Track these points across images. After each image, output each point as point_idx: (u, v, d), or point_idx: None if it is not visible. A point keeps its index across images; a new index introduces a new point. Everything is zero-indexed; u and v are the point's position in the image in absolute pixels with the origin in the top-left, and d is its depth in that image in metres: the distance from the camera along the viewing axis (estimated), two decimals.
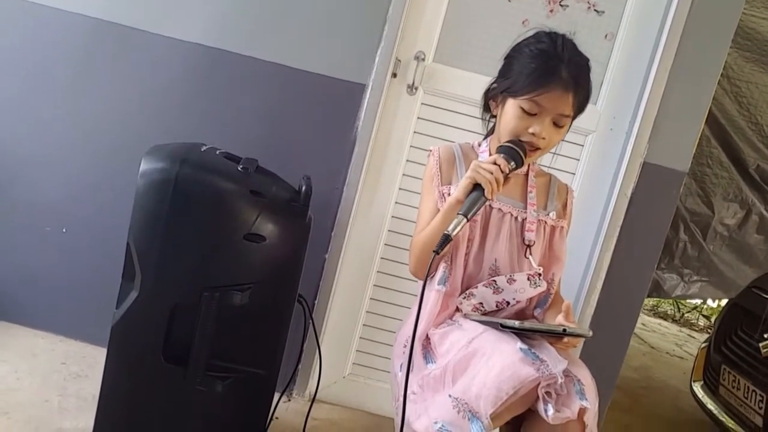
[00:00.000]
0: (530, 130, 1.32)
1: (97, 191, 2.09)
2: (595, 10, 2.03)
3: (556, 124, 1.34)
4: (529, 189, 1.45)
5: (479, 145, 1.50)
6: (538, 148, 1.35)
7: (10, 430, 1.60)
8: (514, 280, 1.35)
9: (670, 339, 5.17)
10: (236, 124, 2.05)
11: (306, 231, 1.57)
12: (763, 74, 3.31)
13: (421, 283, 1.43)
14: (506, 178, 1.29)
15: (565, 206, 1.50)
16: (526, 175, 1.47)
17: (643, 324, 5.28)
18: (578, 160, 2.09)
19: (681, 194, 2.11)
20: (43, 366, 1.94)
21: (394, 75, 2.04)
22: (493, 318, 1.32)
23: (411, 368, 1.33)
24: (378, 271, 2.12)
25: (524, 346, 1.16)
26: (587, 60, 1.36)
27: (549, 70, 1.30)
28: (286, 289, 1.58)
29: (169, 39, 2.03)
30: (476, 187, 1.26)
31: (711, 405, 2.64)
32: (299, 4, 2.01)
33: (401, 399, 1.21)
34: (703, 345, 2.94)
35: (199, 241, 1.43)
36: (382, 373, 2.14)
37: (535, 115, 1.32)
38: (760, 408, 2.27)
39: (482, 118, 1.50)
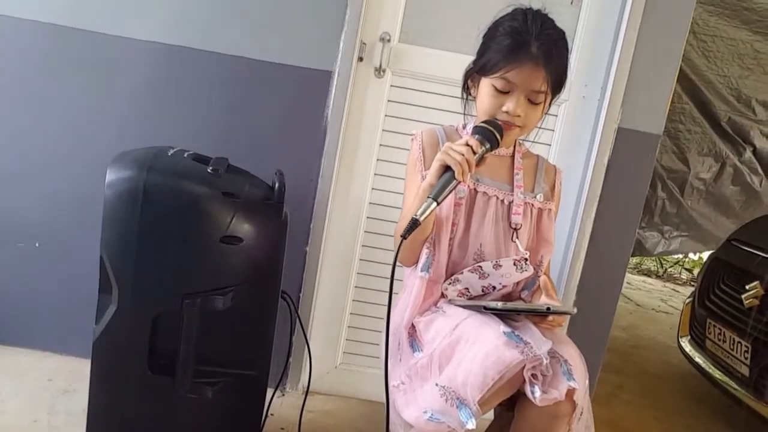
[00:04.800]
0: (504, 108, 1.30)
1: (67, 202, 2.03)
2: None
3: (531, 101, 1.31)
4: (515, 171, 1.42)
5: (464, 127, 1.47)
6: (516, 127, 1.32)
7: None
8: (500, 266, 1.34)
9: (655, 295, 5.26)
10: (203, 122, 2.00)
11: (283, 227, 1.54)
12: (727, 27, 3.33)
13: (406, 270, 1.42)
14: (482, 159, 1.27)
15: (553, 188, 1.47)
16: (512, 156, 1.44)
17: (628, 282, 5.37)
18: (553, 130, 2.07)
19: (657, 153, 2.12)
20: (29, 385, 1.90)
21: (360, 59, 1.99)
22: (476, 302, 1.31)
23: (398, 358, 1.33)
24: (360, 259, 2.10)
25: (507, 329, 1.16)
26: (562, 34, 1.33)
27: (518, 46, 1.28)
28: (268, 287, 1.55)
29: (128, 39, 1.96)
30: (447, 169, 1.23)
31: (699, 358, 2.69)
32: None
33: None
34: (688, 300, 2.99)
35: (174, 248, 1.39)
36: (374, 360, 2.14)
37: (508, 92, 1.30)
38: (746, 358, 2.32)
39: (462, 98, 1.46)
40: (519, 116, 1.31)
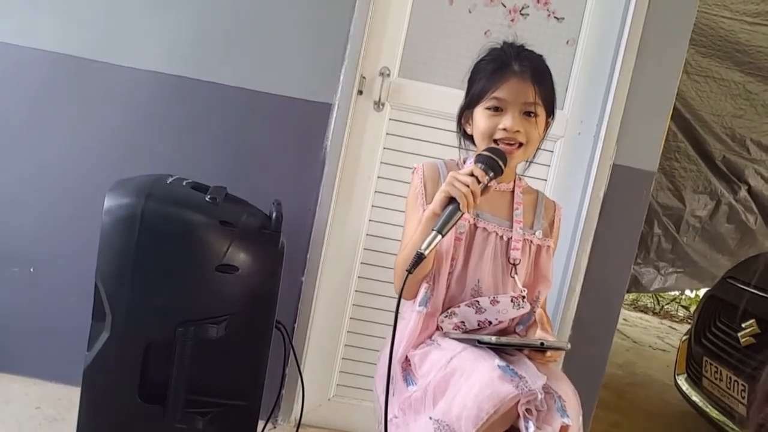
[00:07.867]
0: (501, 126, 1.31)
1: (63, 229, 2.04)
2: (555, 17, 2.05)
3: (527, 116, 1.33)
4: (515, 206, 1.42)
5: (464, 162, 1.47)
6: (519, 144, 1.33)
7: None
8: (498, 302, 1.33)
9: (652, 332, 5.23)
10: (203, 151, 2.02)
11: (279, 257, 1.55)
12: (719, 67, 3.39)
13: (404, 302, 1.41)
14: (486, 188, 1.25)
15: (552, 224, 1.47)
16: (512, 191, 1.45)
17: (625, 319, 5.34)
18: (549, 165, 2.10)
19: (652, 189, 2.14)
20: (17, 413, 1.87)
21: (360, 92, 2.03)
22: (471, 335, 1.30)
23: (392, 392, 1.31)
24: (356, 290, 2.10)
25: (502, 363, 1.15)
26: (541, 56, 1.39)
27: (500, 67, 1.34)
28: (262, 317, 1.55)
29: (129, 69, 1.99)
30: (452, 200, 1.21)
31: (696, 397, 2.66)
32: (260, 27, 1.99)
33: (383, 423, 1.20)
34: (684, 338, 2.97)
35: (169, 276, 1.39)
36: (367, 393, 2.10)
37: (502, 110, 1.32)
38: (743, 397, 2.30)
39: (457, 134, 1.48)
40: (519, 131, 1.31)
